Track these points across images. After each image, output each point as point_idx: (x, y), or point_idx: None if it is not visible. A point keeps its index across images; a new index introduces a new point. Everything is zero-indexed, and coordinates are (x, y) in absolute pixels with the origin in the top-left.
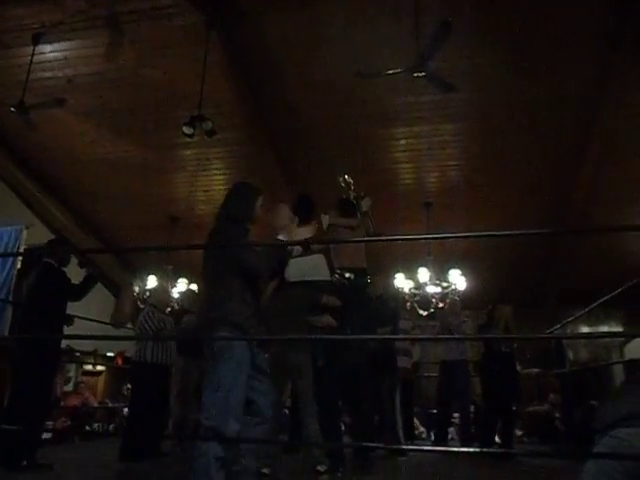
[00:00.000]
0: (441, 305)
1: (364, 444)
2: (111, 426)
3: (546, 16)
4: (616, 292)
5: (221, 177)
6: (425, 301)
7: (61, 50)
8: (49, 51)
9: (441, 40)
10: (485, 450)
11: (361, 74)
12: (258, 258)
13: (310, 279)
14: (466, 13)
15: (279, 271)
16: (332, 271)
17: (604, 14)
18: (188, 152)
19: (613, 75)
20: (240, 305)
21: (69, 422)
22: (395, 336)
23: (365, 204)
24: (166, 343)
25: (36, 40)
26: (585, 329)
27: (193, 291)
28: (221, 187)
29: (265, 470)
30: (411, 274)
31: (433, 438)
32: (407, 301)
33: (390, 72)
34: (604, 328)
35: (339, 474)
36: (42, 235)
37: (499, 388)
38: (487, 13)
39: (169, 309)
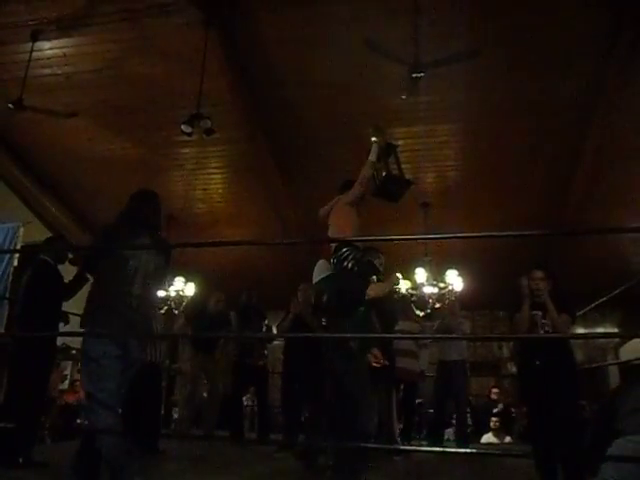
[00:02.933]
0: (438, 306)
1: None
2: None
3: (544, 19)
4: (612, 294)
5: (219, 176)
6: (422, 301)
7: (60, 47)
8: (48, 48)
9: (457, 60)
10: (477, 452)
11: (370, 43)
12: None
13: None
14: (465, 14)
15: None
16: None
17: (601, 17)
18: (186, 150)
19: (609, 77)
20: None
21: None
22: (398, 335)
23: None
24: (154, 341)
25: (35, 37)
26: (581, 330)
27: None
28: (218, 186)
29: None
30: (408, 274)
31: (429, 439)
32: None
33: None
34: (600, 329)
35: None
36: (39, 232)
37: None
38: (486, 14)
39: (162, 309)
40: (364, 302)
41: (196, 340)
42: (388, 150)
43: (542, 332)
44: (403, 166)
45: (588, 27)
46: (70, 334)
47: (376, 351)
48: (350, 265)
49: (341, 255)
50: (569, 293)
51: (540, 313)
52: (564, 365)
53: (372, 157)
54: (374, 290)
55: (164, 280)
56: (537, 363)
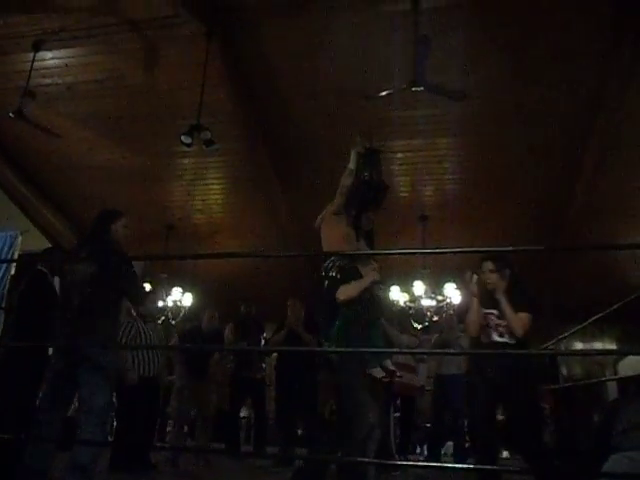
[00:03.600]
0: (436, 319)
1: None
2: None
3: (542, 30)
4: (611, 309)
5: (218, 186)
6: (420, 314)
7: (61, 57)
8: (49, 58)
9: (424, 55)
10: (475, 467)
11: (368, 96)
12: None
13: None
14: (462, 28)
15: None
16: None
17: (600, 29)
18: (186, 161)
19: (608, 91)
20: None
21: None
22: (393, 350)
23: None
24: (150, 354)
25: (37, 47)
26: (579, 345)
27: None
28: (217, 196)
29: None
30: (406, 287)
31: (426, 453)
32: (409, 315)
33: (391, 91)
34: (598, 344)
35: None
36: (38, 241)
37: None
38: (483, 28)
39: (159, 320)
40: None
41: (189, 360)
42: (371, 157)
43: (496, 335)
44: (402, 179)
45: (587, 39)
46: (60, 346)
47: (388, 364)
48: (334, 274)
49: (327, 266)
50: (567, 307)
51: (495, 312)
52: (517, 373)
53: (350, 165)
54: (344, 293)
55: (118, 286)
56: (489, 371)
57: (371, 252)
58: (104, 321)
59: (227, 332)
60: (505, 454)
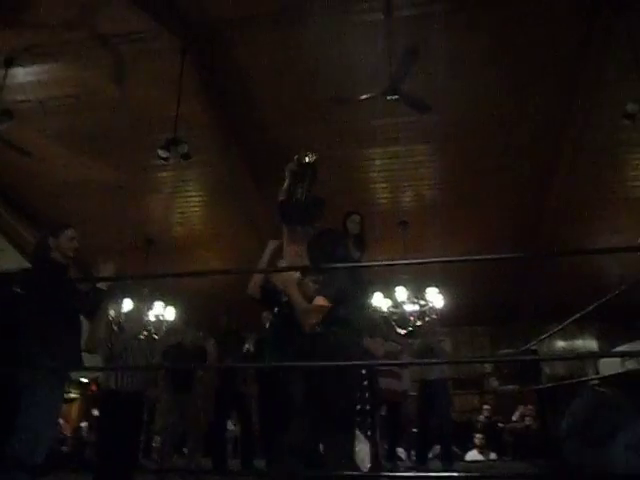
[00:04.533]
0: (419, 323)
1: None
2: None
3: (518, 30)
4: (589, 308)
5: (197, 199)
6: (403, 319)
7: (34, 73)
8: (21, 74)
9: (409, 65)
10: (468, 475)
11: (338, 99)
12: (69, 296)
13: None
14: (438, 35)
15: None
16: None
17: (572, 24)
18: (164, 174)
19: (580, 91)
20: (50, 338)
21: None
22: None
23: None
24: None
25: (8, 63)
26: (560, 344)
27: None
28: (197, 209)
29: None
30: (389, 293)
31: (414, 458)
32: (392, 321)
33: (364, 97)
34: (579, 342)
35: None
36: (14, 259)
37: None
38: (459, 36)
39: (142, 335)
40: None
41: (173, 376)
42: (304, 172)
43: None
44: (381, 185)
45: (556, 45)
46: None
47: None
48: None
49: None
50: (547, 307)
51: None
52: None
53: (284, 185)
54: (278, 279)
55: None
56: None
57: (355, 264)
58: (29, 340)
59: (210, 348)
60: (493, 455)
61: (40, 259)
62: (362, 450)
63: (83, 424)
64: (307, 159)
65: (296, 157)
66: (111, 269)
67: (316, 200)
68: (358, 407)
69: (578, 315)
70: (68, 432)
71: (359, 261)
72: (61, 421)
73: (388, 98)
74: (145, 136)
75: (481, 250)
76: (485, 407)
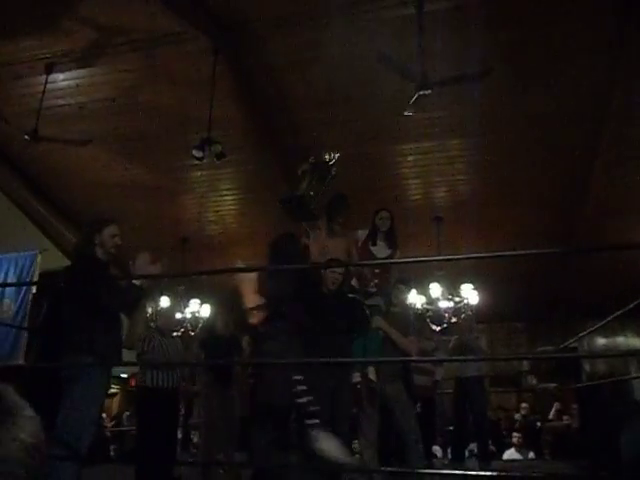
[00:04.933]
0: (454, 320)
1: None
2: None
3: (551, 27)
4: (631, 305)
5: (231, 197)
6: (438, 316)
7: (73, 78)
8: (61, 79)
9: (471, 80)
10: (504, 474)
11: (382, 57)
12: (109, 293)
13: None
14: (471, 28)
15: None
16: None
17: (605, 22)
18: (198, 174)
19: (618, 83)
20: (92, 334)
21: None
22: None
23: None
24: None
25: (49, 69)
26: (601, 341)
27: None
28: (231, 207)
29: None
30: (423, 289)
31: (450, 456)
32: (426, 318)
33: (416, 96)
34: (620, 339)
35: None
36: (57, 260)
37: None
38: (493, 27)
39: (178, 332)
40: None
41: (213, 368)
42: (321, 171)
43: None
44: (414, 181)
45: (592, 37)
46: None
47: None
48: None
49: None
50: (586, 304)
51: None
52: None
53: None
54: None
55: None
56: None
57: (386, 261)
58: (77, 335)
59: (244, 344)
60: (531, 454)
61: (83, 255)
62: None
63: (125, 414)
64: (327, 157)
65: (311, 158)
66: (147, 259)
67: (322, 198)
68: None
69: (619, 312)
70: (109, 424)
71: (391, 258)
72: (104, 415)
73: (421, 93)
74: (180, 137)
75: (516, 246)
76: (523, 405)
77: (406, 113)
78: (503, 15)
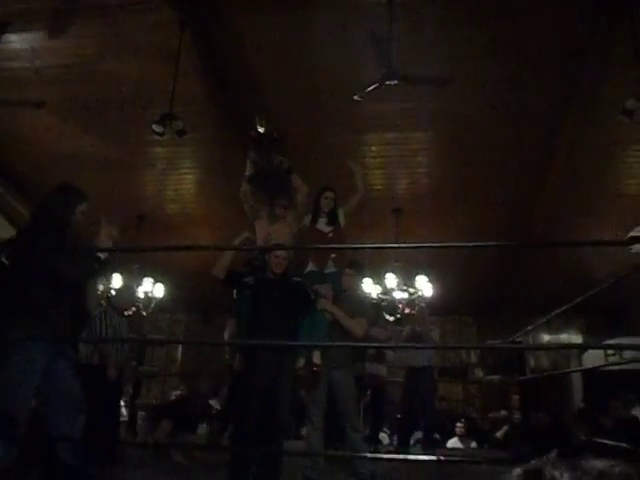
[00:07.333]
0: (408, 311)
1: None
2: None
3: (517, 31)
4: (575, 302)
5: (191, 176)
6: (392, 307)
7: (28, 40)
8: (16, 40)
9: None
10: (444, 458)
11: (361, 96)
12: (65, 263)
13: None
14: (438, 22)
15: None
16: None
17: (571, 32)
18: (158, 150)
19: (577, 90)
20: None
21: None
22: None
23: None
24: (119, 345)
25: (2, 29)
26: (546, 337)
27: None
28: (190, 186)
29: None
30: (379, 279)
31: (396, 442)
32: (381, 308)
33: (376, 86)
34: (564, 336)
35: None
36: (2, 229)
37: None
38: (459, 24)
39: (130, 311)
40: None
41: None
42: (270, 143)
43: None
44: (376, 172)
45: (557, 43)
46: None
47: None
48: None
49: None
50: (534, 300)
51: None
52: None
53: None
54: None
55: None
56: None
57: (344, 246)
58: (27, 302)
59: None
60: (473, 444)
61: (57, 218)
62: (313, 435)
63: None
64: (258, 124)
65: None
66: (109, 233)
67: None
68: None
69: (564, 308)
70: None
71: (332, 233)
72: None
73: (387, 83)
74: (140, 110)
75: (471, 241)
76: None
77: (355, 97)
78: (472, 12)
